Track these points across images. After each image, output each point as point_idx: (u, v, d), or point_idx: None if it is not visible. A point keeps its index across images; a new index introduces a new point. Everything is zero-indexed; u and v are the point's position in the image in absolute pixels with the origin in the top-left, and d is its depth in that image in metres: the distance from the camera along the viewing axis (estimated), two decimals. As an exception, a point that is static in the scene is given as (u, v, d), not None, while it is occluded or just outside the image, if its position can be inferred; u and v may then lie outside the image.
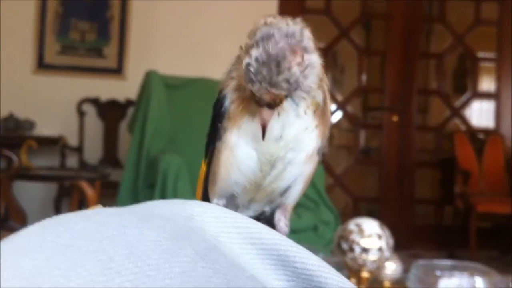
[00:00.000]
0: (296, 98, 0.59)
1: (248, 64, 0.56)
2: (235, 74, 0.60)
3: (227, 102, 0.60)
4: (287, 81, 0.55)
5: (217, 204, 0.62)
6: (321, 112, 0.60)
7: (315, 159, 0.62)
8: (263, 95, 0.55)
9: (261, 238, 0.41)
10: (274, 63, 0.55)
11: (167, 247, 0.35)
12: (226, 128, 0.61)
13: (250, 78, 0.55)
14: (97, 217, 0.38)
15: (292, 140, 0.59)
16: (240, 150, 0.60)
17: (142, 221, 0.38)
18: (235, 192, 0.63)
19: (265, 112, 0.56)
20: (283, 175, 0.61)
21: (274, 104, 0.56)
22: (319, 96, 0.59)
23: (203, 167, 0.66)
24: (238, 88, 0.60)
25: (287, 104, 0.58)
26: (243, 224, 0.42)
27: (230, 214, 0.43)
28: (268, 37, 0.56)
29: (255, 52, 0.56)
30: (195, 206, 0.42)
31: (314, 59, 0.58)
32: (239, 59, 0.61)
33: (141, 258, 0.34)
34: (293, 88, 0.56)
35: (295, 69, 0.55)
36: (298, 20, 0.58)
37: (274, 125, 0.58)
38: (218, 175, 0.62)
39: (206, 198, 0.65)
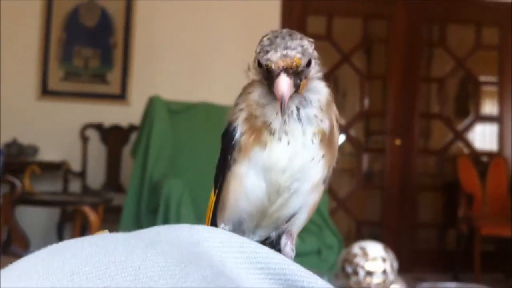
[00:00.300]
0: (304, 118, 0.59)
1: (261, 42, 0.59)
2: (244, 105, 0.61)
3: (237, 134, 0.61)
4: (301, 46, 0.58)
5: (224, 229, 0.63)
6: (327, 141, 0.60)
7: (321, 188, 0.62)
8: (278, 62, 0.57)
9: (268, 263, 0.41)
10: (287, 34, 0.58)
11: (174, 273, 0.35)
12: (236, 160, 0.61)
13: (265, 50, 0.57)
14: (104, 243, 0.38)
15: (298, 171, 0.59)
16: (249, 181, 0.60)
17: (149, 246, 0.38)
18: (242, 219, 0.63)
19: (282, 81, 0.57)
20: (288, 203, 0.61)
21: (290, 72, 0.57)
22: (325, 124, 0.60)
23: (212, 198, 0.66)
24: (248, 119, 0.60)
25: (295, 131, 0.58)
26: (250, 248, 0.42)
27: (236, 238, 0.43)
28: (277, 31, 0.59)
29: (266, 37, 0.59)
30: (202, 231, 0.42)
31: (320, 87, 0.60)
32: (245, 90, 0.62)
33: (148, 283, 0.34)
34: (306, 56, 0.58)
35: (306, 43, 0.58)
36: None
37: (282, 156, 0.59)
38: (227, 202, 0.63)
39: (214, 225, 0.65)
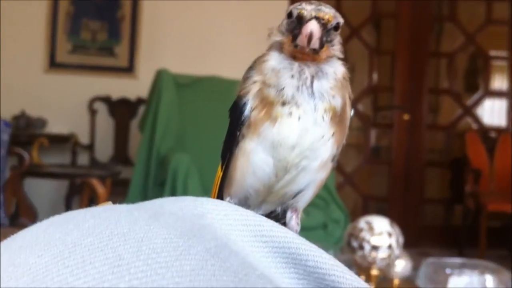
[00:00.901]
0: (317, 91, 0.58)
1: (289, 11, 0.60)
2: (258, 77, 0.60)
3: (247, 109, 0.60)
4: (334, 10, 0.60)
5: (229, 202, 0.62)
6: (339, 119, 0.60)
7: (329, 166, 0.62)
8: (312, 11, 0.58)
9: (273, 236, 0.41)
10: (318, 2, 0.60)
11: (177, 245, 0.35)
12: (244, 135, 0.60)
13: (298, 4, 0.59)
14: (106, 214, 0.38)
15: (308, 148, 0.59)
16: (257, 157, 0.60)
17: (153, 218, 0.38)
18: (249, 194, 0.63)
19: (313, 22, 0.58)
20: (295, 180, 0.61)
21: (321, 23, 0.58)
22: (337, 101, 0.59)
23: (219, 173, 0.66)
24: (260, 92, 0.59)
25: (306, 105, 0.58)
26: (254, 221, 0.41)
27: (241, 211, 0.42)
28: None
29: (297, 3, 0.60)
30: (207, 204, 0.42)
31: (338, 64, 0.60)
32: (259, 60, 0.61)
33: (150, 255, 0.34)
34: (336, 19, 0.59)
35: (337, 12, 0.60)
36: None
37: (292, 132, 0.58)
38: (234, 178, 0.62)
39: (220, 199, 0.65)
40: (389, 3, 5.19)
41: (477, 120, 5.24)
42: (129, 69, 4.73)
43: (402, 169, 5.03)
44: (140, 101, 4.64)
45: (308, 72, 0.58)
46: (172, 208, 0.41)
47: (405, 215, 4.83)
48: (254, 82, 0.60)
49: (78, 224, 0.36)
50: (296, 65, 0.59)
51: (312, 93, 0.58)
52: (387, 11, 5.28)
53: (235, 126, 0.61)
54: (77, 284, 0.31)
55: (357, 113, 5.17)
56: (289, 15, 0.60)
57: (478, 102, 5.25)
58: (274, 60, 0.60)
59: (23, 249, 0.34)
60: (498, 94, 5.28)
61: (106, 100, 4.67)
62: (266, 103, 0.58)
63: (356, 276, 0.40)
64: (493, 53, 5.28)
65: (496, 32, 5.21)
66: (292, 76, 0.58)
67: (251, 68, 0.62)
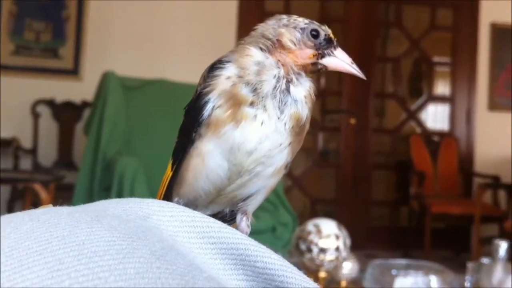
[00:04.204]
0: (291, 96, 0.58)
1: (292, 18, 0.65)
2: (233, 72, 0.58)
3: (209, 108, 0.58)
4: None
5: (178, 202, 0.61)
6: (299, 129, 0.60)
7: (281, 172, 0.62)
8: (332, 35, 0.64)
9: (221, 237, 0.40)
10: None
11: (121, 248, 0.34)
12: (202, 135, 0.58)
13: (314, 23, 0.64)
14: (45, 217, 0.36)
15: (264, 155, 0.58)
16: (213, 160, 0.59)
17: (95, 220, 0.36)
18: (199, 195, 0.61)
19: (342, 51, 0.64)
20: (247, 185, 0.60)
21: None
22: (305, 111, 0.59)
23: (168, 172, 0.64)
24: (231, 90, 0.57)
25: (272, 112, 0.57)
26: (202, 223, 0.40)
27: (188, 212, 0.41)
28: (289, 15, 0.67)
29: (295, 17, 0.65)
30: (152, 205, 0.41)
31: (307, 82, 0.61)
32: (241, 52, 0.59)
33: (92, 259, 0.32)
34: None
35: None
36: None
37: (252, 137, 0.57)
38: (185, 179, 0.61)
39: (167, 199, 0.63)
40: (337, 7, 5.26)
41: (420, 124, 5.36)
42: (74, 71, 4.63)
43: (350, 172, 5.10)
44: (85, 104, 4.55)
45: (286, 76, 0.58)
46: (116, 210, 0.39)
47: (353, 217, 4.90)
48: (228, 77, 0.58)
49: (16, 227, 0.35)
50: (280, 67, 0.59)
51: (286, 97, 0.58)
52: (335, 16, 5.35)
53: (192, 125, 0.59)
54: None
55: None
56: (313, 35, 0.62)
57: (422, 106, 5.37)
58: (260, 56, 0.59)
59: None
60: (441, 99, 5.41)
61: (50, 103, 4.57)
62: (234, 103, 0.57)
63: (305, 276, 0.40)
64: (436, 59, 5.42)
65: (440, 38, 5.35)
66: (274, 76, 0.58)
67: (222, 62, 0.59)
